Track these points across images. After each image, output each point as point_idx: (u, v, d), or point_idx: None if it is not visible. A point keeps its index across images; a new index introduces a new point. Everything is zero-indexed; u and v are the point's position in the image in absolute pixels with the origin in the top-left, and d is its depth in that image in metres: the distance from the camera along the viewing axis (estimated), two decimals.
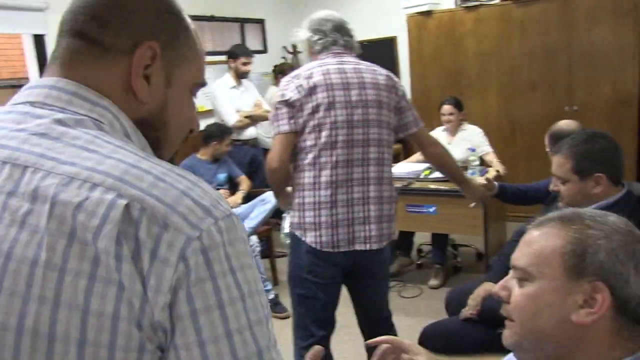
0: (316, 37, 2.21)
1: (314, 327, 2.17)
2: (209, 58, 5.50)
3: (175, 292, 0.58)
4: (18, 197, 0.61)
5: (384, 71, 2.23)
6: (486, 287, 2.28)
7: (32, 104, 0.68)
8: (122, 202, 0.58)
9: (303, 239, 2.08)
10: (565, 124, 3.13)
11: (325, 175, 2.03)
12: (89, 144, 0.63)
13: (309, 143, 2.04)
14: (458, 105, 4.39)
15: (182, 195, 0.61)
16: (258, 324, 0.63)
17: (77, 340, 0.57)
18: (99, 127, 0.67)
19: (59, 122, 0.65)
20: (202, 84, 0.83)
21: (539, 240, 0.97)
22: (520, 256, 0.99)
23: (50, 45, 4.02)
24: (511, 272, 1.01)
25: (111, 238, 0.57)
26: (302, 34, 2.26)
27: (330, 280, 2.14)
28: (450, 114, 4.35)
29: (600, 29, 4.80)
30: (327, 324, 2.23)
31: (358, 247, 2.10)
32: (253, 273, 0.64)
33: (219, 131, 4.26)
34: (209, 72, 6.21)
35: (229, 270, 0.61)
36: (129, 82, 0.72)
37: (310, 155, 2.04)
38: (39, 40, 4.01)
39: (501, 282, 1.04)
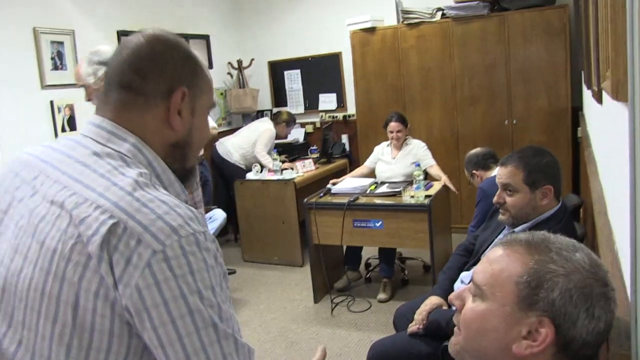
0: None
1: None
2: None
3: (139, 291, 0.83)
4: (55, 205, 0.90)
5: None
6: (432, 301, 2.31)
7: (84, 136, 0.99)
8: (111, 221, 0.84)
9: None
10: (476, 149, 3.58)
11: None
12: (107, 173, 0.91)
13: None
14: (404, 121, 4.47)
15: (158, 218, 0.86)
16: (210, 307, 0.87)
17: (72, 304, 0.86)
18: (122, 159, 0.94)
19: (95, 154, 0.94)
20: (213, 105, 1.12)
21: (500, 261, 0.96)
22: (479, 271, 0.99)
23: None
24: (471, 283, 1.01)
25: (97, 245, 0.84)
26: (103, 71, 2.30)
27: None
28: (399, 131, 4.43)
29: (534, 47, 5.00)
30: None
31: None
32: (209, 274, 0.88)
33: None
34: None
35: (189, 272, 0.85)
36: (167, 119, 0.99)
37: None
38: None
39: (458, 292, 1.04)
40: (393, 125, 4.43)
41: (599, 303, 0.90)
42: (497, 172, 2.14)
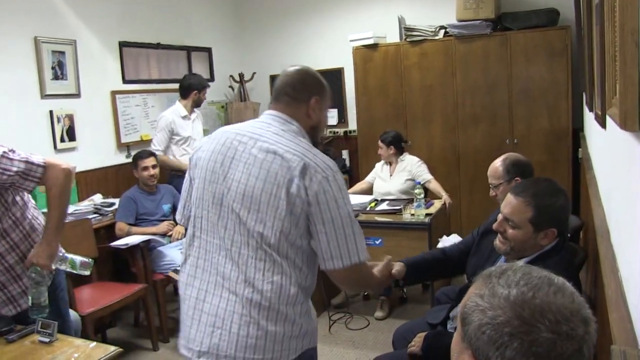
0: None
1: None
2: (155, 86, 5.42)
3: (316, 194, 1.58)
4: (270, 153, 1.64)
5: None
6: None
7: (269, 120, 1.77)
8: (303, 162, 1.60)
9: None
10: (520, 156, 3.00)
11: None
12: (293, 138, 1.69)
13: None
14: (387, 140, 4.51)
15: (322, 162, 1.63)
16: (346, 206, 1.63)
17: (286, 199, 1.59)
18: (295, 132, 1.73)
19: (282, 129, 1.72)
20: (330, 105, 1.90)
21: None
22: None
23: None
24: None
25: (298, 172, 1.59)
26: None
27: None
28: (381, 148, 4.53)
29: (536, 67, 5.01)
30: None
31: None
32: (347, 194, 1.66)
33: (135, 157, 4.31)
34: (154, 100, 6.04)
35: (338, 190, 1.62)
36: (308, 113, 1.78)
37: None
38: None
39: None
40: (379, 143, 4.55)
41: (511, 344, 0.85)
42: (505, 199, 2.02)
